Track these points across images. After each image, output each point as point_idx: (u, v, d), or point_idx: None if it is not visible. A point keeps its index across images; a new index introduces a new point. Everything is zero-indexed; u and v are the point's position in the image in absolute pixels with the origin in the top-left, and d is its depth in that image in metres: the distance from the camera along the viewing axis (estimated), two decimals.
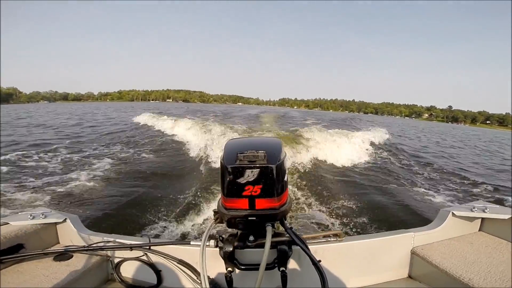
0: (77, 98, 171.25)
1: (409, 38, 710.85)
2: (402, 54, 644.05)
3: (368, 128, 15.22)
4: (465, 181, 7.04)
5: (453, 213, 1.40)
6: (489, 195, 5.94)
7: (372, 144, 10.90)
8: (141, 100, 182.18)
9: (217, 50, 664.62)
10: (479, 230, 1.47)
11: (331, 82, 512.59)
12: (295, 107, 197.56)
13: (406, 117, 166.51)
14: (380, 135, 13.02)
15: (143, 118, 16.34)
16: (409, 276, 1.35)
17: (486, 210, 1.37)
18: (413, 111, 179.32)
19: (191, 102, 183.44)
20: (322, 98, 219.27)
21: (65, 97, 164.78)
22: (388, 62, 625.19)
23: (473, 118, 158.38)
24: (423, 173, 7.75)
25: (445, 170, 8.22)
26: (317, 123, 18.59)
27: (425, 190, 5.92)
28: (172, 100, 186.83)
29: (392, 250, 1.33)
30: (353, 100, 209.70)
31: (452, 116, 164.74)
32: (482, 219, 1.44)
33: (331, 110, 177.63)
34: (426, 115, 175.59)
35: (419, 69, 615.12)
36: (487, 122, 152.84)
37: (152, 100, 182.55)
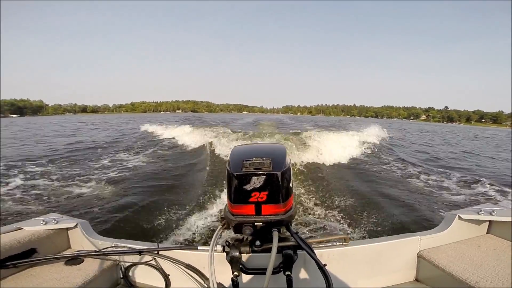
0: (95, 110, 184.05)
1: (409, 39, 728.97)
2: (401, 57, 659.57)
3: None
4: (471, 184, 6.85)
5: (459, 216, 1.41)
6: (497, 198, 5.83)
7: (375, 146, 11.16)
8: (153, 111, 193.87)
9: (223, 61, 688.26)
10: (487, 233, 1.47)
11: (333, 88, 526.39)
12: (298, 113, 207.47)
13: (404, 119, 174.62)
14: (383, 136, 13.55)
15: (153, 127, 16.95)
16: (416, 280, 1.36)
17: (493, 213, 1.38)
18: (411, 113, 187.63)
19: (199, 112, 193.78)
20: (324, 104, 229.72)
21: (84, 109, 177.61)
22: (388, 64, 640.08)
23: (468, 117, 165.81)
24: (431, 175, 7.58)
25: (452, 173, 8.00)
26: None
27: (431, 193, 5.85)
28: (182, 111, 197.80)
29: (398, 253, 1.34)
30: (354, 104, 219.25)
31: (447, 116, 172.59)
32: (490, 221, 1.45)
33: (333, 115, 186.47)
34: (424, 116, 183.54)
35: (418, 71, 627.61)
36: (482, 120, 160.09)
37: (163, 111, 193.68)
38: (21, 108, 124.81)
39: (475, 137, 30.67)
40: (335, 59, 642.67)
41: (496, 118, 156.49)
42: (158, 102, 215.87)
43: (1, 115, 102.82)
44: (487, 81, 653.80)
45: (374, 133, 13.70)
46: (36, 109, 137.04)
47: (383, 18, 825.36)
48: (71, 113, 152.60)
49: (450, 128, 61.42)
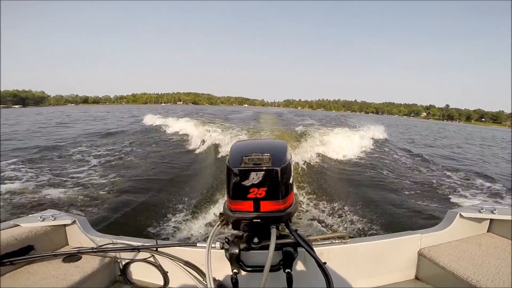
0: (96, 101, 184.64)
1: (412, 37, 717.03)
2: (404, 54, 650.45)
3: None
4: (473, 182, 6.83)
5: (460, 214, 1.40)
6: (498, 196, 5.78)
7: (376, 142, 11.07)
8: (154, 102, 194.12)
9: (224, 53, 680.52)
10: (488, 231, 1.47)
11: (334, 83, 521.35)
12: (299, 107, 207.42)
13: (404, 116, 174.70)
14: (382, 133, 13.41)
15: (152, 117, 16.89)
16: (416, 278, 1.36)
17: (494, 211, 1.37)
18: (411, 110, 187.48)
19: (200, 104, 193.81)
20: (325, 99, 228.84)
21: (85, 100, 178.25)
22: (390, 61, 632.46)
23: (468, 116, 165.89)
24: (431, 173, 7.52)
25: (454, 170, 7.98)
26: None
27: (432, 191, 5.75)
28: (183, 103, 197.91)
29: (398, 251, 1.33)
30: (355, 100, 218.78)
31: (448, 115, 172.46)
32: (491, 220, 1.44)
33: (334, 111, 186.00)
34: (424, 113, 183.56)
35: (420, 69, 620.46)
36: (482, 119, 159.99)
37: (164, 103, 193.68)
38: (24, 99, 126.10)
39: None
40: (336, 58, 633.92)
41: (496, 118, 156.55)
42: (159, 93, 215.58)
43: (3, 105, 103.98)
44: (489, 80, 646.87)
45: (375, 130, 13.40)
46: (38, 100, 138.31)
47: (384, 18, 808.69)
48: (73, 104, 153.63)
49: (441, 126, 61.05)
